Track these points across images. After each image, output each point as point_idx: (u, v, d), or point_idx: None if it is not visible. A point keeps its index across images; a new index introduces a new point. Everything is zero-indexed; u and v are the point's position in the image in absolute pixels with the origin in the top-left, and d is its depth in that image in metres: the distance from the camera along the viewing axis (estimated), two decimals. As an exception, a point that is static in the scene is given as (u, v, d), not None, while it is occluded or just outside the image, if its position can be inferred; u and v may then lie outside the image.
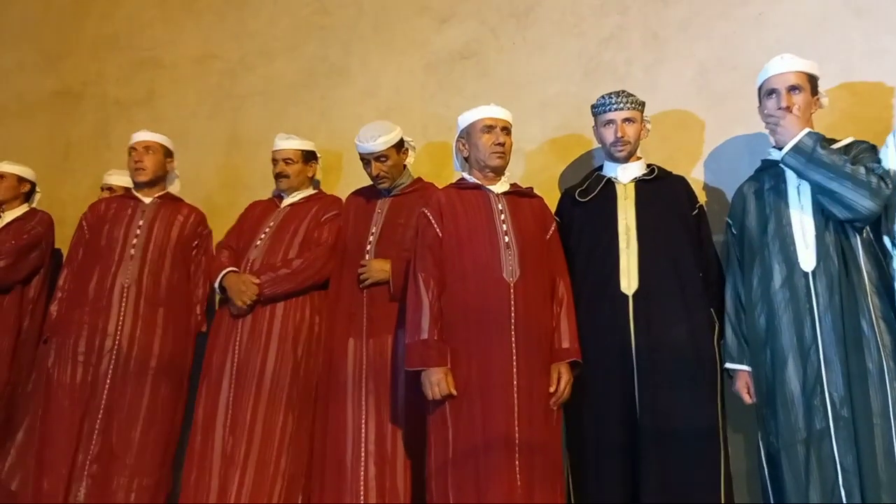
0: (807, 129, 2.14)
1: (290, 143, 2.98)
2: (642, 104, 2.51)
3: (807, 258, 2.13)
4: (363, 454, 2.46)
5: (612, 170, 2.52)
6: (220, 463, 2.56)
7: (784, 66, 2.26)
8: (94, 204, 3.11)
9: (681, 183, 2.51)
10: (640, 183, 2.47)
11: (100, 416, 2.67)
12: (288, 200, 2.98)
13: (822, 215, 2.14)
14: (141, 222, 2.93)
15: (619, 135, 2.45)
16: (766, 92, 2.29)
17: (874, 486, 1.93)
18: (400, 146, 2.80)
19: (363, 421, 2.50)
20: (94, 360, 2.72)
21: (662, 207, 2.42)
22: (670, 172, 2.54)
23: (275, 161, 2.99)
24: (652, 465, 2.17)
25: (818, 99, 2.29)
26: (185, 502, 2.57)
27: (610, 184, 2.49)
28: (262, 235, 2.86)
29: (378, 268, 2.63)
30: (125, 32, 4.08)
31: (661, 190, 2.46)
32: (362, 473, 2.44)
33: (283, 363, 2.65)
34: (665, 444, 2.18)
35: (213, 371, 2.69)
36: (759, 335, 2.20)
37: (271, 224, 2.89)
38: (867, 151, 2.19)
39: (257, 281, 2.69)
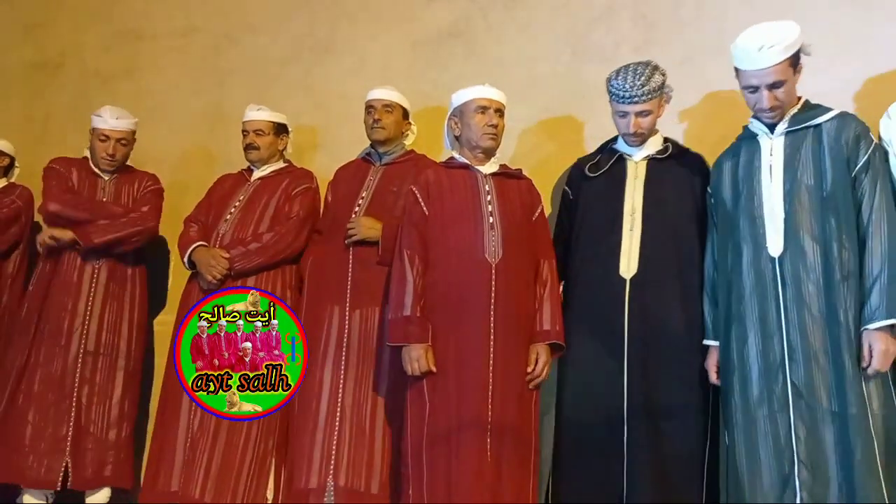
0: None
1: (260, 115, 2.93)
2: (661, 86, 2.33)
3: (775, 243, 2.11)
4: (338, 423, 2.47)
5: (625, 145, 2.45)
6: (185, 439, 2.55)
7: (762, 61, 2.06)
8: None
9: (697, 161, 2.43)
10: (652, 161, 2.41)
11: (74, 393, 2.67)
12: (258, 174, 2.94)
13: (793, 199, 2.10)
14: (105, 200, 2.94)
15: (633, 129, 2.35)
16: (745, 85, 2.14)
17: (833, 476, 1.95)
18: (407, 116, 2.86)
19: (340, 389, 2.50)
20: (64, 341, 2.71)
21: (672, 188, 2.36)
22: (687, 150, 2.46)
23: (245, 132, 2.95)
24: (640, 452, 2.19)
25: (800, 67, 2.14)
26: (151, 480, 2.57)
27: (621, 160, 2.43)
28: (232, 209, 2.83)
29: (368, 225, 2.60)
30: (106, 2, 3.98)
31: (673, 169, 2.39)
32: (335, 443, 2.45)
33: None
34: (652, 429, 2.20)
35: None
36: (726, 314, 2.19)
37: (241, 198, 2.86)
38: (874, 166, 2.08)
39: (227, 255, 2.66)
